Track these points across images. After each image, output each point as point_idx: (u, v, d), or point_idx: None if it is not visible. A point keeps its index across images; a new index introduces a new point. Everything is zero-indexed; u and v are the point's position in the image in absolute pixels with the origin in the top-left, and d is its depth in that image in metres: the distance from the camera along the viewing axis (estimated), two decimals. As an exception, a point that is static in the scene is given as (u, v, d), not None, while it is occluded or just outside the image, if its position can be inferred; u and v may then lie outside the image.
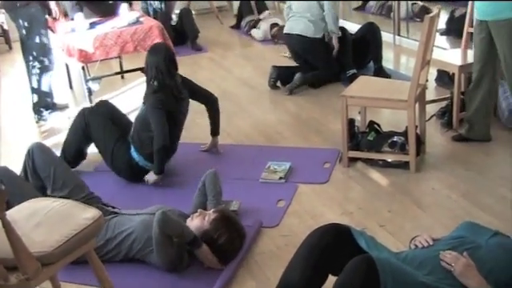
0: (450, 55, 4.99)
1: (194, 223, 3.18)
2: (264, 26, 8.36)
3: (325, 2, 5.87)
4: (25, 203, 2.74)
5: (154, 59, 4.06)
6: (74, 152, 4.21)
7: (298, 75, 5.88)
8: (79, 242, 2.50)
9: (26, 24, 5.24)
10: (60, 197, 3.29)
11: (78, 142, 4.20)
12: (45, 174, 3.43)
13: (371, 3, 9.58)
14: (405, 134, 4.05)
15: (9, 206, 2.97)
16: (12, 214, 2.57)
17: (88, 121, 4.11)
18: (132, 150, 4.12)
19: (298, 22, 5.97)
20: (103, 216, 3.15)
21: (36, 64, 5.38)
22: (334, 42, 5.97)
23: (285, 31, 6.11)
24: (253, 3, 9.34)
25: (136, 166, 4.12)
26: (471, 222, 2.81)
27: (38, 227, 2.50)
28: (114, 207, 3.46)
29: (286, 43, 6.12)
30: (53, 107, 5.71)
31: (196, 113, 5.51)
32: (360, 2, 9.85)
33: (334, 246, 2.49)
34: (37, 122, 5.60)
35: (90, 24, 4.83)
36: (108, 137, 4.10)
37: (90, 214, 2.60)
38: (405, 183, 3.93)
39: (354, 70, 5.93)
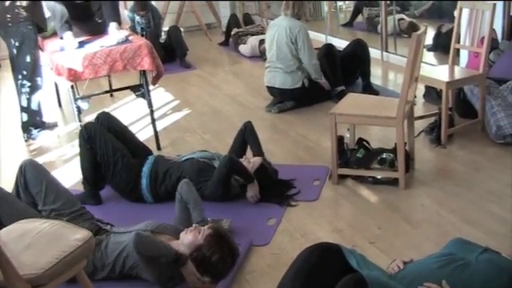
0: (437, 71, 5.02)
1: (188, 238, 3.14)
2: (252, 42, 8.39)
3: (302, 57, 5.80)
4: (14, 224, 2.73)
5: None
6: (93, 172, 4.15)
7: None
8: (70, 263, 2.49)
9: (17, 43, 5.24)
10: (51, 209, 3.31)
11: (90, 159, 4.10)
12: (36, 190, 3.40)
13: (359, 19, 9.66)
14: (394, 150, 4.07)
15: (1, 225, 2.98)
16: (1, 235, 2.56)
17: (90, 133, 4.06)
18: (144, 180, 4.10)
19: (274, 74, 5.89)
20: (97, 234, 3.21)
21: (26, 83, 5.37)
22: (323, 84, 5.93)
23: (265, 84, 6.05)
24: (240, 17, 9.42)
25: (136, 192, 4.12)
26: (461, 238, 2.82)
27: (27, 249, 2.49)
28: (106, 223, 3.46)
29: (269, 93, 6.08)
30: (42, 126, 5.71)
31: (185, 131, 5.56)
32: (348, 19, 9.94)
33: (323, 264, 2.48)
34: (26, 141, 5.59)
35: (79, 43, 4.82)
36: (109, 149, 4.05)
37: (80, 234, 2.59)
38: (394, 200, 3.94)
39: (343, 87, 5.95)
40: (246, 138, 4.41)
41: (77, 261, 2.54)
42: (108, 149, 4.04)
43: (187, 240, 3.14)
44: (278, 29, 5.85)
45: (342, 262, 2.49)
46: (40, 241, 2.54)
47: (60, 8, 4.96)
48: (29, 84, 5.39)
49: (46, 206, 3.34)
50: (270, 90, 6.04)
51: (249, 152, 4.41)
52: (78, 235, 2.58)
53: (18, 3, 5.16)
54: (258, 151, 4.34)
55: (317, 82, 5.91)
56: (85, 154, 4.11)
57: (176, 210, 3.60)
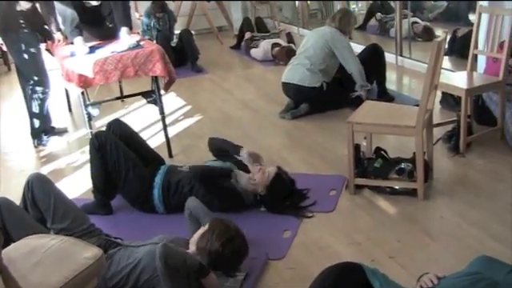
0: (455, 78, 4.90)
1: (195, 236, 3.12)
2: (265, 46, 8.30)
3: (346, 64, 5.80)
4: (22, 240, 2.64)
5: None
6: (103, 181, 4.06)
7: (304, 105, 5.80)
8: (80, 283, 2.40)
9: (21, 50, 5.16)
10: (60, 229, 3.21)
11: (101, 167, 4.01)
12: (44, 206, 3.31)
13: (372, 23, 9.56)
14: (412, 160, 3.96)
15: (9, 239, 2.90)
16: (9, 252, 2.47)
17: (100, 142, 3.95)
18: (156, 191, 3.99)
19: (295, 70, 5.86)
20: (108, 249, 3.13)
21: (38, 89, 5.30)
22: (363, 94, 5.80)
23: (282, 80, 5.99)
24: (252, 21, 9.34)
25: (148, 202, 4.02)
26: (487, 256, 2.70)
27: (36, 267, 2.39)
28: (116, 238, 3.36)
29: (284, 91, 6.01)
30: (51, 131, 5.64)
31: (198, 137, 5.46)
32: (360, 22, 9.83)
33: (343, 285, 2.38)
34: (35, 147, 5.52)
35: (90, 48, 4.74)
36: (121, 158, 3.95)
37: (90, 252, 2.50)
38: (413, 211, 3.83)
39: (359, 93, 5.84)
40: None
41: (87, 280, 2.44)
42: (119, 158, 3.95)
43: (195, 238, 3.13)
44: (318, 32, 5.98)
45: (363, 283, 2.39)
46: (49, 259, 2.45)
47: (70, 12, 4.88)
48: (41, 90, 5.33)
49: (55, 224, 3.24)
50: (286, 87, 5.95)
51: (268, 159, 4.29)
52: (88, 253, 2.49)
53: (18, 9, 5.08)
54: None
55: (335, 87, 5.83)
56: (95, 162, 4.02)
57: (187, 226, 3.54)
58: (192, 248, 3.09)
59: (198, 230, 3.20)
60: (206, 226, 3.12)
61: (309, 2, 10.64)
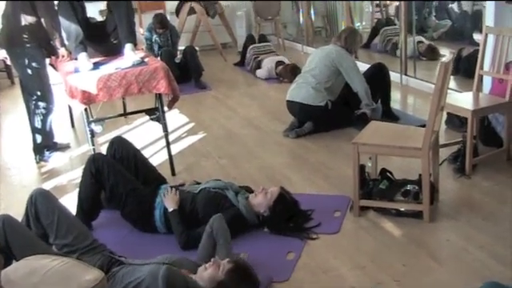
0: (461, 99, 4.86)
1: (208, 273, 3.02)
2: (268, 65, 8.27)
3: (352, 83, 5.79)
4: (22, 261, 2.60)
5: None
6: (92, 205, 4.02)
7: (308, 123, 5.77)
8: (80, 306, 2.35)
9: (25, 65, 5.14)
10: (63, 244, 3.20)
11: (92, 192, 3.98)
12: (48, 221, 3.29)
13: (376, 40, 9.55)
14: (418, 182, 3.91)
15: (12, 257, 2.87)
16: (8, 273, 2.41)
17: (98, 167, 3.92)
18: (157, 212, 3.92)
19: (299, 89, 5.82)
20: (112, 267, 3.11)
21: (40, 104, 5.28)
22: (368, 111, 5.79)
23: (287, 98, 5.95)
24: (256, 38, 9.33)
25: (149, 223, 3.95)
26: (495, 282, 2.66)
27: (36, 289, 2.35)
28: (120, 256, 3.32)
29: (288, 109, 5.97)
30: (54, 147, 5.60)
31: (201, 155, 5.43)
32: (365, 40, 9.82)
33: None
34: (37, 163, 5.48)
35: (94, 64, 4.71)
36: (120, 182, 3.90)
37: (92, 275, 2.45)
38: (419, 234, 3.77)
39: (364, 110, 5.81)
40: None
41: (88, 304, 2.40)
42: (118, 183, 3.91)
43: (207, 275, 3.02)
44: (324, 50, 5.96)
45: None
46: (50, 280, 2.40)
47: (75, 28, 4.85)
48: (44, 105, 5.30)
49: (58, 239, 3.22)
50: (290, 105, 5.91)
51: (267, 181, 4.25)
52: (89, 276, 2.44)
53: (23, 23, 5.06)
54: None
55: (340, 106, 5.81)
56: (88, 186, 3.97)
57: (201, 244, 3.48)
58: (203, 285, 3.00)
59: (209, 262, 3.10)
60: (222, 276, 2.98)
61: (313, 19, 10.62)
